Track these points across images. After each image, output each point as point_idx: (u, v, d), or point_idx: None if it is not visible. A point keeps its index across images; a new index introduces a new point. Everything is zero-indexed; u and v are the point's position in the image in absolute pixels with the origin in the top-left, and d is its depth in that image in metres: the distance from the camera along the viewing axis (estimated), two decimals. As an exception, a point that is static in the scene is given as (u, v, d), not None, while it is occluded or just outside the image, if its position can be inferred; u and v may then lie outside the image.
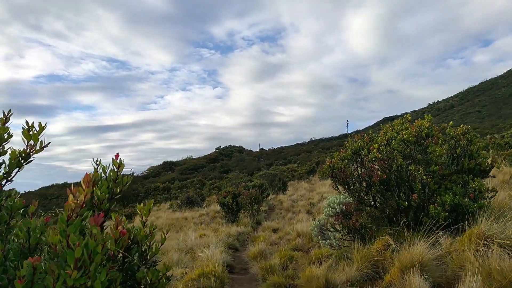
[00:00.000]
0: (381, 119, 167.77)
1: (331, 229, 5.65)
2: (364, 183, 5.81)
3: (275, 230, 11.31)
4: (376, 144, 5.93)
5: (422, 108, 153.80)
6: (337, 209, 5.81)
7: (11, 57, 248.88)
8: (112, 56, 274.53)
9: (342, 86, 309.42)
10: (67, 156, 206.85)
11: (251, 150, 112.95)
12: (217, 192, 27.95)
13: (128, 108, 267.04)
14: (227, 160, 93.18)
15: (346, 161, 6.34)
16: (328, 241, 5.49)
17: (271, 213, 17.80)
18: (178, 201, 26.38)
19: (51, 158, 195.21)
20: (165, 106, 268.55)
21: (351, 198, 5.97)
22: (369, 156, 5.90)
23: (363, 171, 5.82)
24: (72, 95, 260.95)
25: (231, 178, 46.94)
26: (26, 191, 79.93)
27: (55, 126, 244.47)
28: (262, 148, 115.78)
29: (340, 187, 6.24)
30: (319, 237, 5.69)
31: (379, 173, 5.50)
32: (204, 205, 25.19)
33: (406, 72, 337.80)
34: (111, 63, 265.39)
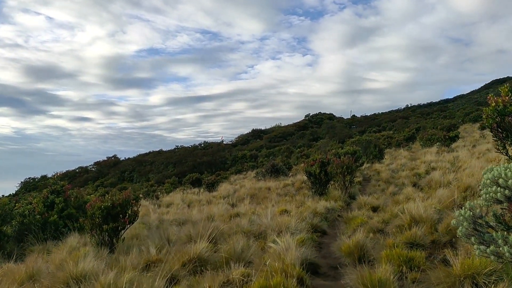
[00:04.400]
0: (489, 82, 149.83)
1: (501, 226, 3.09)
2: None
3: (374, 209, 8.76)
4: None
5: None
6: None
7: (115, 34, 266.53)
8: (205, 28, 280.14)
9: (443, 48, 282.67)
10: (166, 125, 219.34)
11: (342, 117, 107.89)
12: (305, 160, 25.76)
13: (220, 78, 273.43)
14: (316, 128, 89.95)
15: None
16: (491, 247, 2.96)
17: (367, 185, 15.12)
18: (263, 170, 24.64)
19: (152, 127, 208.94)
20: (255, 75, 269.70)
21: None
22: None
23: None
24: (169, 67, 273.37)
25: (320, 145, 44.26)
26: (126, 157, 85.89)
27: (155, 98, 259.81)
28: (354, 115, 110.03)
29: None
30: (472, 238, 3.15)
31: None
32: (290, 174, 23.15)
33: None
34: (204, 34, 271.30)
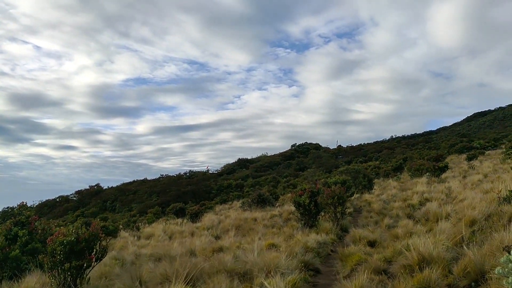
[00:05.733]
0: (471, 114, 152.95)
1: None
2: None
3: (371, 244, 7.98)
4: None
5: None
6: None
7: (103, 63, 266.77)
8: (192, 58, 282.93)
9: (425, 81, 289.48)
10: (152, 154, 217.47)
11: (329, 148, 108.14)
12: (292, 190, 25.01)
13: (207, 108, 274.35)
14: (303, 158, 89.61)
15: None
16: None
17: (358, 216, 14.38)
18: (249, 200, 23.76)
19: (138, 156, 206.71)
20: (242, 105, 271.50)
21: None
22: None
23: None
24: (156, 96, 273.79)
25: (307, 175, 43.66)
26: (109, 186, 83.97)
27: (141, 126, 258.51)
28: (340, 146, 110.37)
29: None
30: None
31: None
32: (277, 205, 22.31)
33: (500, 64, 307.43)
34: (192, 65, 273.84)
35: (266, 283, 4.59)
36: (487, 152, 39.22)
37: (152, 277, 6.32)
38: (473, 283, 4.27)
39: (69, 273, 5.98)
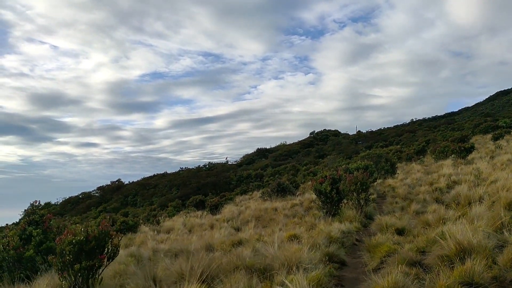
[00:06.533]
0: (493, 93, 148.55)
1: None
2: None
3: (399, 232, 7.45)
4: None
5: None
6: None
7: (119, 59, 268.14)
8: (207, 50, 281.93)
9: (444, 62, 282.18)
10: (172, 148, 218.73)
11: (348, 134, 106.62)
12: (312, 177, 24.45)
13: (224, 99, 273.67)
14: (322, 145, 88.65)
15: None
16: None
17: (382, 202, 13.81)
18: (269, 189, 23.36)
19: (157, 151, 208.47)
20: (259, 95, 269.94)
21: None
22: None
23: None
24: (173, 90, 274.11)
25: (327, 162, 42.98)
26: (130, 181, 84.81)
27: (159, 121, 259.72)
28: (359, 131, 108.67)
29: None
30: None
31: None
32: (297, 193, 21.86)
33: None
34: (207, 57, 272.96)
35: (287, 282, 4.15)
36: (514, 131, 37.73)
37: (167, 275, 5.97)
38: (523, 275, 3.75)
39: (79, 274, 5.68)
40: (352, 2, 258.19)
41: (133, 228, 18.61)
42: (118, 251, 6.23)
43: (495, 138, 32.41)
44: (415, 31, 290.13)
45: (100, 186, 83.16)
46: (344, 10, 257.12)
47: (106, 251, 6.02)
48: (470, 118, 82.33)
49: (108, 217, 21.06)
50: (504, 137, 32.68)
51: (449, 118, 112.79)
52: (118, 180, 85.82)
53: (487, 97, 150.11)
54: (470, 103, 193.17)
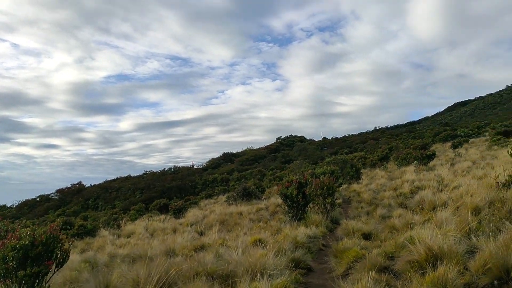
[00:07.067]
0: (452, 104, 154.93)
1: None
2: None
3: (366, 236, 7.33)
4: None
5: (500, 90, 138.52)
6: None
7: (83, 60, 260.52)
8: (175, 53, 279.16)
9: (407, 73, 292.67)
10: (137, 151, 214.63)
11: (314, 140, 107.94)
12: (278, 182, 24.30)
13: (191, 103, 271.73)
14: (288, 150, 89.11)
15: None
16: None
17: (348, 207, 13.78)
18: (234, 193, 23.02)
19: (122, 153, 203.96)
20: (226, 100, 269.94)
21: None
22: None
23: None
24: (139, 93, 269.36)
25: (293, 167, 43.06)
26: (92, 184, 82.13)
27: (124, 123, 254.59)
28: (325, 137, 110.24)
29: None
30: None
31: None
32: (263, 198, 21.63)
33: (478, 55, 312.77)
34: (175, 60, 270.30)
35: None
36: (471, 140, 39.11)
37: (122, 283, 5.54)
38: (495, 281, 3.62)
39: (24, 281, 5.16)
40: (319, 11, 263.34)
41: (91, 232, 17.82)
42: (68, 256, 5.75)
43: (455, 146, 33.46)
44: (379, 42, 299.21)
45: (60, 189, 79.99)
46: (311, 20, 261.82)
47: (54, 256, 5.53)
48: (430, 127, 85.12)
49: (68, 220, 20.11)
50: (463, 146, 33.80)
51: (411, 126, 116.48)
52: (79, 183, 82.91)
53: (446, 107, 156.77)
54: (430, 113, 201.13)
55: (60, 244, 5.60)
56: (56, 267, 5.56)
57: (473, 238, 5.04)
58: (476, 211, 6.60)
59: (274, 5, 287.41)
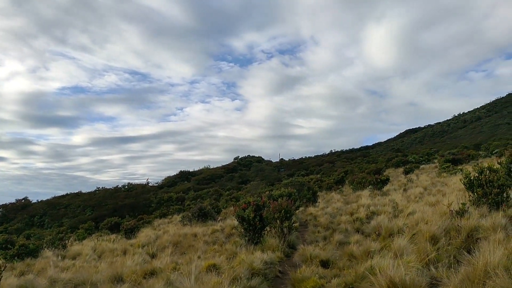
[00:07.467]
0: (403, 131, 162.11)
1: None
2: None
3: (324, 264, 7.15)
4: None
5: (447, 120, 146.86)
6: None
7: (37, 70, 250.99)
8: (134, 68, 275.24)
9: (362, 99, 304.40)
10: (90, 166, 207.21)
11: (271, 161, 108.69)
12: (235, 203, 23.93)
13: (149, 119, 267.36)
14: (245, 170, 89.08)
15: None
16: None
17: (304, 231, 13.63)
18: (189, 213, 22.40)
19: (74, 168, 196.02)
20: (184, 117, 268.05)
21: None
22: None
23: None
24: (95, 106, 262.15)
25: (250, 188, 42.84)
26: (39, 200, 77.91)
27: (78, 137, 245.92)
28: (282, 159, 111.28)
29: None
30: None
31: None
32: (219, 219, 21.18)
33: (428, 85, 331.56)
34: (133, 75, 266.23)
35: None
36: (421, 166, 40.60)
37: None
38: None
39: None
40: (280, 34, 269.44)
41: (34, 253, 16.60)
42: None
43: (406, 172, 34.54)
44: (337, 68, 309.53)
45: (3, 204, 75.29)
46: (272, 42, 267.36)
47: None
48: (383, 152, 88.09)
49: (8, 238, 18.70)
50: (414, 172, 34.97)
51: (365, 151, 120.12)
52: (25, 198, 78.45)
53: (398, 134, 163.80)
54: (383, 138, 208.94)
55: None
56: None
57: (432, 269, 4.97)
58: (434, 239, 6.59)
59: (237, 26, 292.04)
